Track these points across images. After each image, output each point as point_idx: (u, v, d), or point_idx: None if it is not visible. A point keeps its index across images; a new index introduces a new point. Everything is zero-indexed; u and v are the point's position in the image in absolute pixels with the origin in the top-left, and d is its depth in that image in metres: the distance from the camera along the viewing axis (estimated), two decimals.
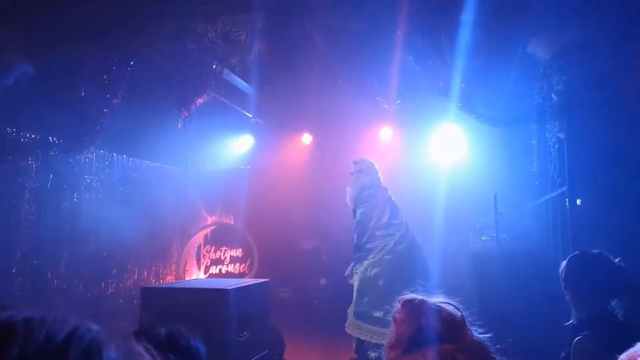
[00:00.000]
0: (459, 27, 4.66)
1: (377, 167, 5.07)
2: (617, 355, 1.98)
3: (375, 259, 4.55)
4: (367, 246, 4.64)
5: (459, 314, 1.20)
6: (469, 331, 1.17)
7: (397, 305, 1.26)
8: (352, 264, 4.90)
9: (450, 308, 1.21)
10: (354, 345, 4.59)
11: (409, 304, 1.22)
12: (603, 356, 1.91)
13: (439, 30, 4.97)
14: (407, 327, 1.17)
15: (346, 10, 4.82)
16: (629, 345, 2.07)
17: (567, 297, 2.39)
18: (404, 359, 1.12)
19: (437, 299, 1.24)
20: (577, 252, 2.47)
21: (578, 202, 4.40)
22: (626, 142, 3.87)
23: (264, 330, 4.38)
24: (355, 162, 5.11)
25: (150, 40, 5.12)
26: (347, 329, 4.67)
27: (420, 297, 1.24)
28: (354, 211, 4.95)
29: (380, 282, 4.44)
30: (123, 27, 5.10)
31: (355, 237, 4.83)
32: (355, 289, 4.63)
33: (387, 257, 4.52)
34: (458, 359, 1.09)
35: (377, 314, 4.35)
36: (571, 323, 2.33)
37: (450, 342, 1.11)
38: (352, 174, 5.05)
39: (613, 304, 2.34)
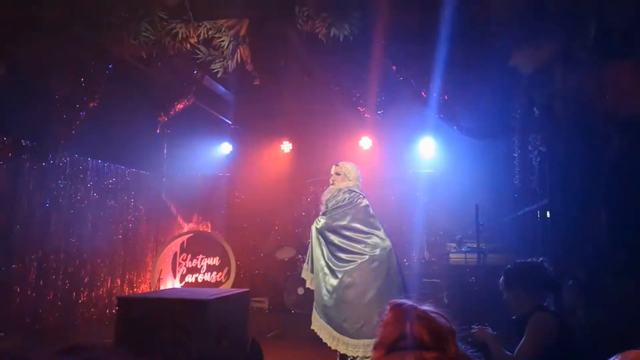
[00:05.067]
0: (441, 38, 4.69)
1: (358, 172, 4.88)
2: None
3: (348, 268, 4.41)
4: (339, 254, 4.53)
5: (448, 325, 1.21)
6: (454, 344, 1.16)
7: (387, 308, 1.26)
8: (305, 265, 4.84)
9: (439, 319, 1.21)
10: (337, 356, 4.50)
11: (397, 307, 1.24)
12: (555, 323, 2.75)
13: (421, 41, 5.00)
14: (392, 330, 1.19)
15: (329, 19, 4.81)
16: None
17: (505, 297, 3.04)
18: (384, 359, 1.14)
19: (428, 308, 1.25)
20: (514, 261, 3.15)
21: (547, 214, 4.46)
22: (606, 155, 3.93)
23: (243, 341, 4.29)
24: (335, 165, 4.91)
25: (128, 45, 5.02)
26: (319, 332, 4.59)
27: (410, 302, 1.25)
28: (323, 214, 4.75)
29: (354, 292, 4.32)
30: (99, 30, 4.99)
31: (318, 244, 4.65)
32: (331, 298, 4.49)
33: (361, 266, 4.39)
34: None
35: (344, 324, 4.29)
36: (515, 318, 2.97)
37: (432, 350, 1.12)
38: (331, 175, 4.89)
39: (547, 301, 3.02)
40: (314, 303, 4.62)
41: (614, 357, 1.12)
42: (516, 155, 4.93)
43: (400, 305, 1.24)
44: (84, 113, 5.30)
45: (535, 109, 4.41)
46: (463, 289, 5.40)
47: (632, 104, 3.83)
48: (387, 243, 4.58)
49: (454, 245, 6.02)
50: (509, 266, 3.09)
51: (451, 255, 5.85)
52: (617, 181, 3.86)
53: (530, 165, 4.72)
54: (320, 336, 4.46)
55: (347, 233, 4.57)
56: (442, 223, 6.76)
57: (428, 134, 6.82)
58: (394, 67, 5.21)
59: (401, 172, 7.27)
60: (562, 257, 4.20)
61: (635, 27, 3.90)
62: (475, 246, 5.38)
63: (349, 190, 4.74)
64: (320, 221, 4.72)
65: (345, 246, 4.53)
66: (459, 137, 5.69)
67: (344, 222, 4.60)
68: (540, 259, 3.06)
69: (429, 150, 7.12)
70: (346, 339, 4.27)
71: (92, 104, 5.29)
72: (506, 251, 5.48)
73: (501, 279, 3.07)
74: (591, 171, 4.12)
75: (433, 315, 1.21)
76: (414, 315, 1.19)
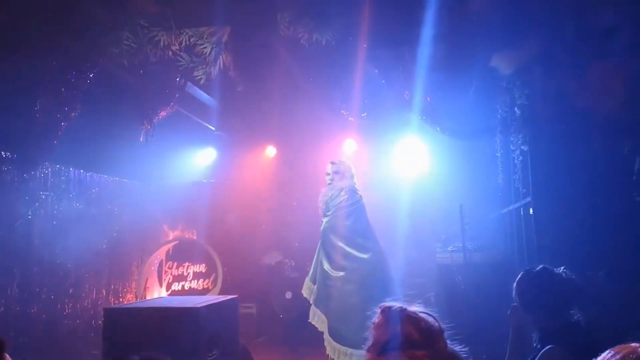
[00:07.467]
0: (422, 40, 4.74)
1: (354, 171, 4.73)
2: None
3: (348, 274, 4.30)
4: (337, 258, 4.38)
5: (437, 324, 1.24)
6: (444, 341, 1.20)
7: (378, 311, 1.29)
8: (307, 279, 4.71)
9: (428, 318, 1.24)
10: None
11: (387, 310, 1.27)
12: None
13: (402, 43, 5.05)
14: (384, 332, 1.21)
15: (311, 23, 4.83)
16: (592, 350, 2.20)
17: (528, 319, 2.42)
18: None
19: (417, 308, 1.27)
20: (521, 273, 2.50)
21: (530, 211, 4.53)
22: (586, 153, 4.02)
23: (233, 348, 4.28)
24: (332, 163, 4.74)
25: (110, 53, 4.98)
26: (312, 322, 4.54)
27: (399, 304, 1.28)
28: (324, 216, 4.60)
29: (353, 300, 4.17)
30: (80, 39, 4.94)
31: (321, 247, 4.51)
32: (332, 305, 4.33)
33: (362, 272, 4.27)
34: None
35: (345, 333, 4.13)
36: (535, 343, 2.34)
37: (423, 349, 1.15)
38: (327, 174, 4.70)
39: (573, 312, 2.38)
40: (323, 315, 4.42)
41: (608, 352, 1.15)
42: (499, 154, 5.00)
43: (390, 307, 1.27)
44: (66, 123, 5.23)
45: (516, 109, 4.49)
46: (450, 288, 5.46)
47: (611, 104, 3.92)
48: (381, 247, 4.48)
49: (439, 245, 6.08)
50: (518, 278, 2.47)
51: (437, 255, 5.91)
52: (598, 179, 3.94)
53: (513, 164, 4.80)
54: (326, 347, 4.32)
55: (350, 236, 4.39)
56: (428, 223, 6.80)
57: (412, 136, 6.86)
58: (376, 71, 5.25)
59: (386, 174, 7.29)
60: (545, 253, 4.27)
61: (613, 29, 3.99)
62: (460, 245, 5.44)
63: (350, 189, 4.59)
64: (323, 222, 4.57)
65: (346, 251, 4.35)
66: (443, 138, 5.75)
67: (348, 223, 4.43)
68: (562, 268, 2.42)
69: (413, 152, 7.16)
70: (349, 349, 4.08)
71: (73, 114, 5.23)
72: (491, 249, 5.55)
73: (514, 294, 2.47)
74: (572, 169, 4.20)
75: (422, 315, 1.24)
76: (403, 316, 1.22)
